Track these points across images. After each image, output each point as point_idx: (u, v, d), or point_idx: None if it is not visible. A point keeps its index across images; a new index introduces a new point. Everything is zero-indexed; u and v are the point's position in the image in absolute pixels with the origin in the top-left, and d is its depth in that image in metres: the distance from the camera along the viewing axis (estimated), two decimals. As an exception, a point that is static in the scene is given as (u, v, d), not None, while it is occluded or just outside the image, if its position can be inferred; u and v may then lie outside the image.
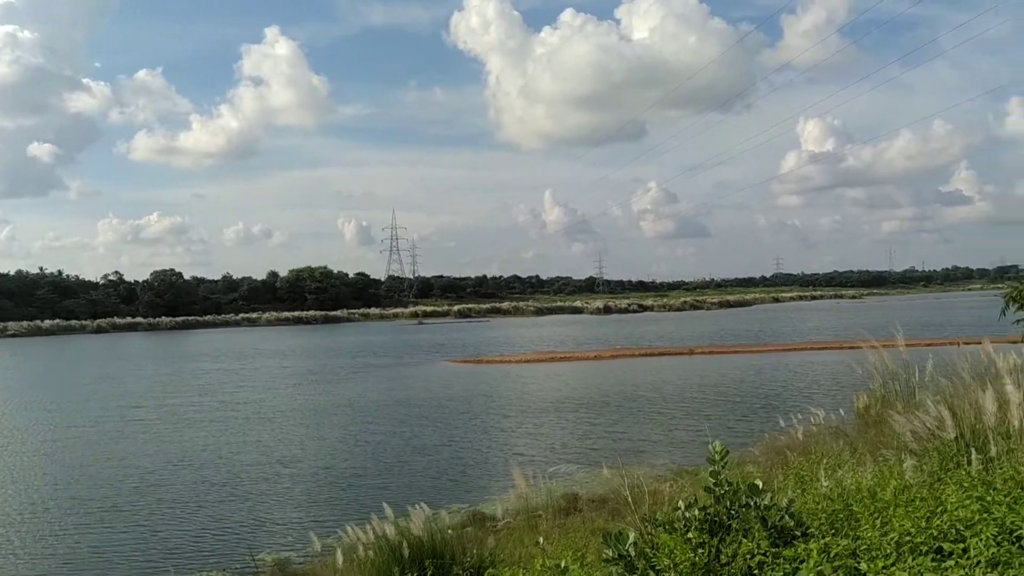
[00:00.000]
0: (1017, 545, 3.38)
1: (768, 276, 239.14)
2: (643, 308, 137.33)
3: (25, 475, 20.09)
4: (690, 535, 4.21)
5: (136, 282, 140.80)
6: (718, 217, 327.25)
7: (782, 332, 67.05)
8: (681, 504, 4.61)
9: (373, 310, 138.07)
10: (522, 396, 32.06)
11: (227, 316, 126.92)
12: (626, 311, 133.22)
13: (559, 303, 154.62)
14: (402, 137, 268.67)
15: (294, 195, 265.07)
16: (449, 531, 7.77)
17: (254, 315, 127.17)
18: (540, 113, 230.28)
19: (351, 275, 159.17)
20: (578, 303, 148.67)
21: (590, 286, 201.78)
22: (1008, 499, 3.92)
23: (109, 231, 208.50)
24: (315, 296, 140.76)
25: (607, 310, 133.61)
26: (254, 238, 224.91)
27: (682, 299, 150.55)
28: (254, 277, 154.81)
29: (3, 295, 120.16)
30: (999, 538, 3.47)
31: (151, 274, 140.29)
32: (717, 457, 4.58)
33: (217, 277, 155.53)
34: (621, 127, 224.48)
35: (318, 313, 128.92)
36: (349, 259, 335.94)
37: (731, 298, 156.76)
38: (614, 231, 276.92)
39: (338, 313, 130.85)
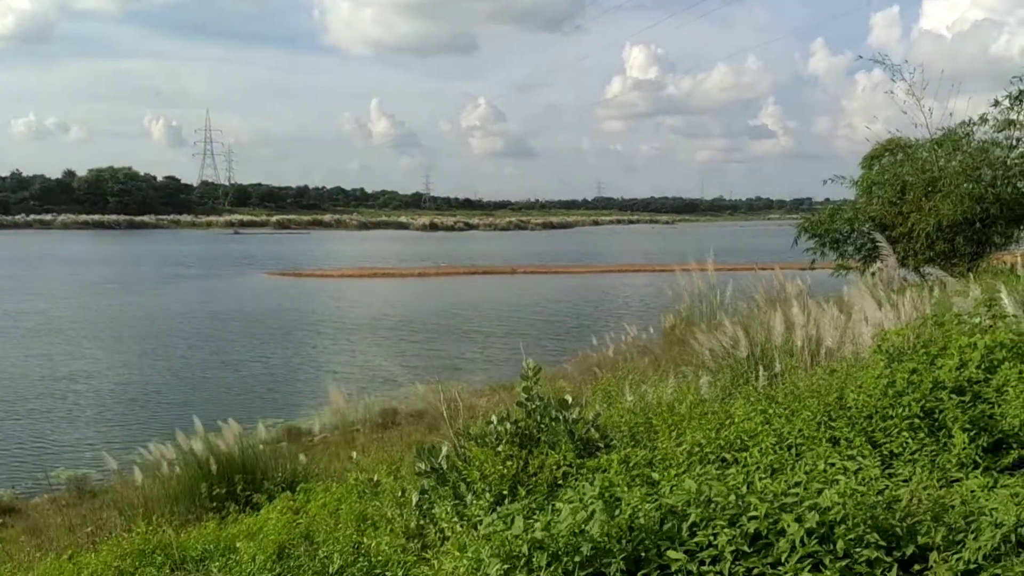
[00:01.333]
0: (791, 453, 3.72)
1: (590, 199, 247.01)
2: (469, 226, 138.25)
3: None
4: (500, 448, 4.33)
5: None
6: (545, 138, 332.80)
7: (600, 254, 69.84)
8: (494, 418, 4.72)
9: (184, 217, 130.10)
10: (342, 312, 31.64)
11: (16, 217, 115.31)
12: (452, 228, 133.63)
13: (384, 218, 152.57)
14: (216, 31, 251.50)
15: (94, 87, 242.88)
16: (261, 446, 7.60)
17: (47, 217, 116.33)
18: (368, 17, 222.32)
19: (160, 178, 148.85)
20: (404, 219, 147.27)
21: (416, 202, 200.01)
22: (787, 412, 4.29)
23: None
24: (118, 199, 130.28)
25: (433, 227, 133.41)
26: (47, 132, 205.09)
27: (507, 219, 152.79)
28: (47, 175, 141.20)
29: None
30: (777, 447, 3.80)
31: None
32: (530, 373, 4.70)
33: (4, 173, 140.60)
34: (452, 39, 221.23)
35: (122, 218, 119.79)
36: (158, 161, 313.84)
37: (554, 219, 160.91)
38: (442, 146, 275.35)
39: (145, 219, 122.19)
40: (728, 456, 3.71)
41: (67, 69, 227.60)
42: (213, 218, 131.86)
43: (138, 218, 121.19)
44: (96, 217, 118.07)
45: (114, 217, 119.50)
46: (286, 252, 69.94)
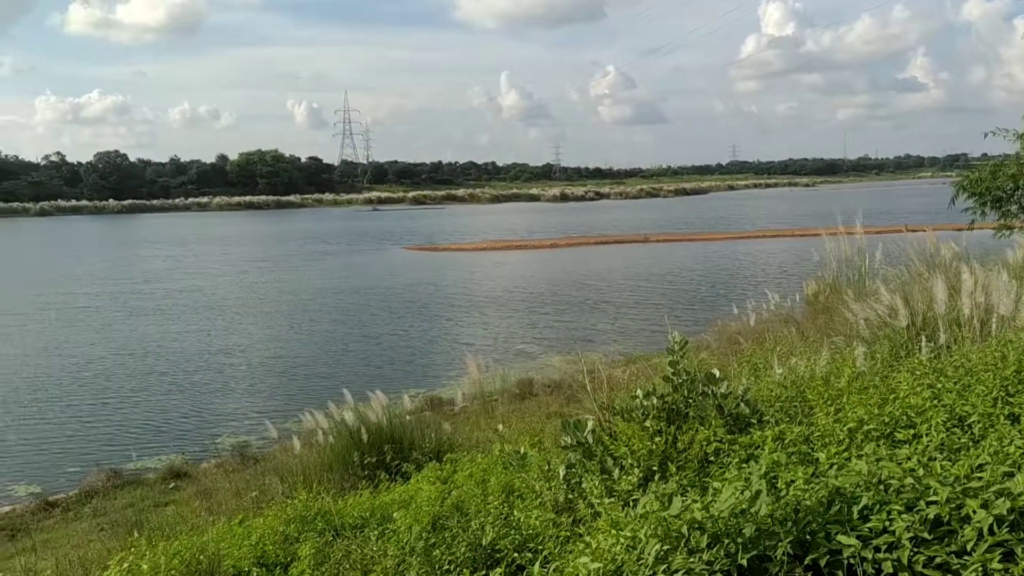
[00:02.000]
0: (967, 432, 3.46)
1: (724, 164, 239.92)
2: (600, 196, 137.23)
3: None
4: (648, 423, 4.25)
5: (79, 163, 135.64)
6: (675, 103, 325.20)
7: (736, 220, 67.75)
8: (639, 392, 4.63)
9: (327, 196, 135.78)
10: (476, 284, 32.17)
11: (176, 200, 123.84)
12: (583, 199, 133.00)
13: (515, 190, 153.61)
14: (352, 15, 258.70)
15: (241, 75, 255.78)
16: (407, 416, 7.83)
17: (204, 199, 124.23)
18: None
19: (303, 159, 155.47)
20: (534, 190, 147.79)
21: (547, 173, 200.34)
22: (958, 387, 3.99)
23: (47, 109, 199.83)
24: (267, 180, 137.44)
25: (564, 197, 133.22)
26: (201, 119, 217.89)
27: (639, 187, 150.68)
28: (203, 160, 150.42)
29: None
30: (948, 424, 3.55)
31: (95, 155, 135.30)
32: (676, 347, 4.58)
33: (164, 159, 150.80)
34: (578, 7, 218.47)
35: (270, 198, 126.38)
36: (300, 143, 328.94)
37: (687, 186, 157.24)
38: (571, 116, 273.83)
39: (291, 198, 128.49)
40: (899, 434, 3.49)
41: (215, 58, 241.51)
42: (353, 196, 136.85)
43: (284, 198, 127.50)
44: (247, 198, 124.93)
45: (263, 198, 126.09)
46: (422, 227, 71.69)
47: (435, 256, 45.17)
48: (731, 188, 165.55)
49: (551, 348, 18.77)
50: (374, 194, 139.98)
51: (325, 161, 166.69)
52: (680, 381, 4.58)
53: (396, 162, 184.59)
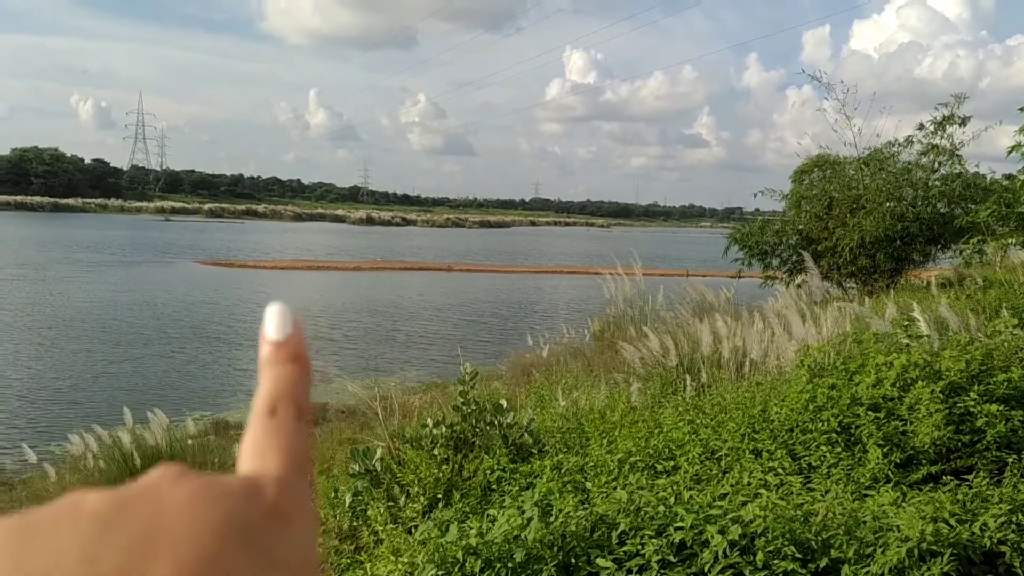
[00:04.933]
0: (717, 463, 3.87)
1: (527, 200, 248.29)
2: (407, 222, 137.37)
3: None
4: (436, 451, 4.38)
5: None
6: (484, 137, 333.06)
7: (536, 254, 70.25)
8: (429, 421, 4.76)
9: (113, 201, 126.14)
10: (280, 303, 31.13)
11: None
12: (389, 223, 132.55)
13: (320, 210, 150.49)
14: (150, 12, 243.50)
15: (17, 63, 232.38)
16: (190, 440, 7.47)
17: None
18: (306, 6, 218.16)
19: (87, 161, 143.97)
20: (340, 212, 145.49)
21: (354, 195, 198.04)
22: (713, 423, 4.44)
23: None
24: (43, 180, 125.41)
25: (370, 221, 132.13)
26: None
27: (445, 216, 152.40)
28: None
29: None
30: (703, 456, 3.95)
31: None
32: (467, 378, 4.76)
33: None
34: (392, 34, 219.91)
35: (46, 200, 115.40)
36: (85, 143, 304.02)
37: (492, 218, 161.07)
38: (381, 140, 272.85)
39: (71, 202, 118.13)
40: (659, 466, 3.84)
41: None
42: (143, 204, 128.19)
43: (63, 201, 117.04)
44: (19, 198, 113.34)
45: (38, 199, 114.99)
46: (218, 241, 68.42)
47: (230, 273, 43.22)
48: (533, 224, 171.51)
49: (349, 372, 18.52)
50: (167, 203, 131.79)
51: (113, 165, 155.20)
52: (469, 411, 4.76)
53: (193, 171, 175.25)
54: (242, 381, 17.70)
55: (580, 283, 41.27)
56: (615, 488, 3.31)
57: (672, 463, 3.93)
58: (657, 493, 2.99)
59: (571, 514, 2.83)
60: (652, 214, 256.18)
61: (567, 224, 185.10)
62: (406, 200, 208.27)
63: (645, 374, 7.21)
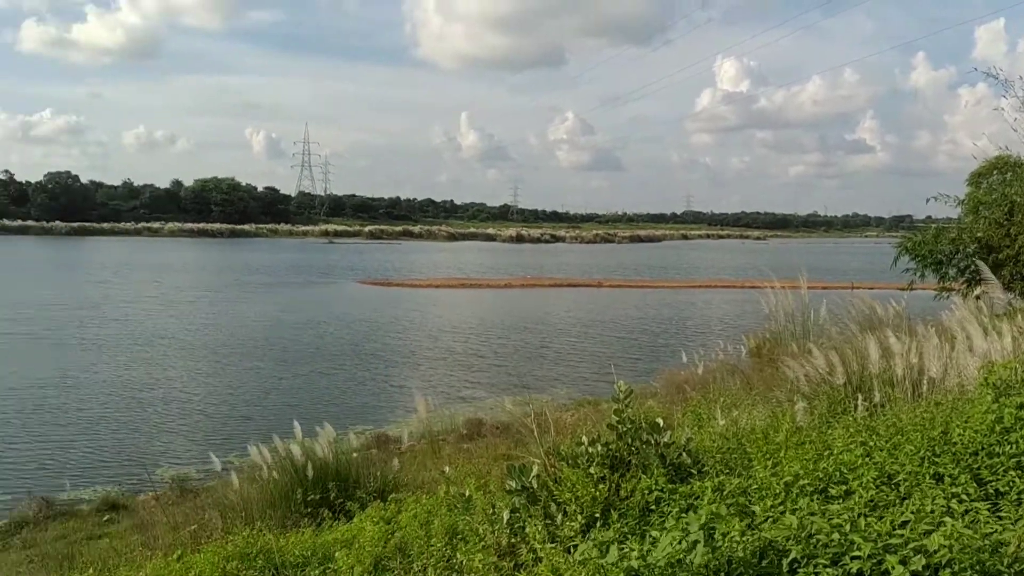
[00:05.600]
0: (894, 489, 3.61)
1: (679, 213, 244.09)
2: (556, 238, 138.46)
3: None
4: (592, 470, 4.33)
5: (28, 183, 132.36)
6: (633, 151, 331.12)
7: (689, 269, 68.89)
8: (584, 439, 4.72)
9: (282, 226, 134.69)
10: (430, 322, 32.11)
11: (127, 225, 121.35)
12: (539, 240, 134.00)
13: (472, 229, 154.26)
14: (314, 47, 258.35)
15: (199, 101, 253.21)
16: (354, 454, 7.79)
17: (156, 225, 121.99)
18: (458, 32, 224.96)
19: (260, 189, 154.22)
20: (491, 230, 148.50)
21: (504, 214, 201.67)
22: (888, 445, 4.16)
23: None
24: (221, 208, 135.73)
25: (520, 239, 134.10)
26: (157, 144, 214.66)
27: (594, 231, 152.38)
28: (157, 185, 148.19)
29: None
30: (878, 481, 3.69)
31: (45, 175, 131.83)
32: (621, 396, 4.69)
33: (117, 183, 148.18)
34: (540, 53, 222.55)
35: (224, 226, 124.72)
36: (258, 172, 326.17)
37: (642, 233, 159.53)
38: (530, 159, 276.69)
39: (245, 227, 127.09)
40: (832, 490, 3.63)
41: (174, 83, 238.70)
42: (309, 227, 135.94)
43: (239, 227, 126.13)
44: (201, 225, 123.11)
45: (217, 226, 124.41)
46: (377, 261, 71.49)
47: (388, 292, 45.02)
48: (685, 237, 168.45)
49: (501, 389, 18.82)
50: (330, 226, 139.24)
51: (282, 191, 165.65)
52: (624, 429, 4.69)
53: (354, 196, 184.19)
54: (398, 397, 18.34)
55: (734, 297, 40.09)
56: (783, 513, 3.15)
57: (844, 487, 3.71)
58: (830, 519, 2.82)
59: (737, 539, 2.71)
60: (812, 224, 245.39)
61: (720, 237, 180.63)
62: (555, 217, 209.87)
63: (809, 392, 6.87)
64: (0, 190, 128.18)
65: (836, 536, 2.63)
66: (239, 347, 24.80)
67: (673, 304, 39.28)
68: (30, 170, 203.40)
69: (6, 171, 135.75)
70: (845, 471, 3.86)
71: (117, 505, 11.02)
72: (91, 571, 5.27)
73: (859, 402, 5.59)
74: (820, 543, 2.63)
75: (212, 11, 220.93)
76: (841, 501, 3.39)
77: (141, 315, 31.92)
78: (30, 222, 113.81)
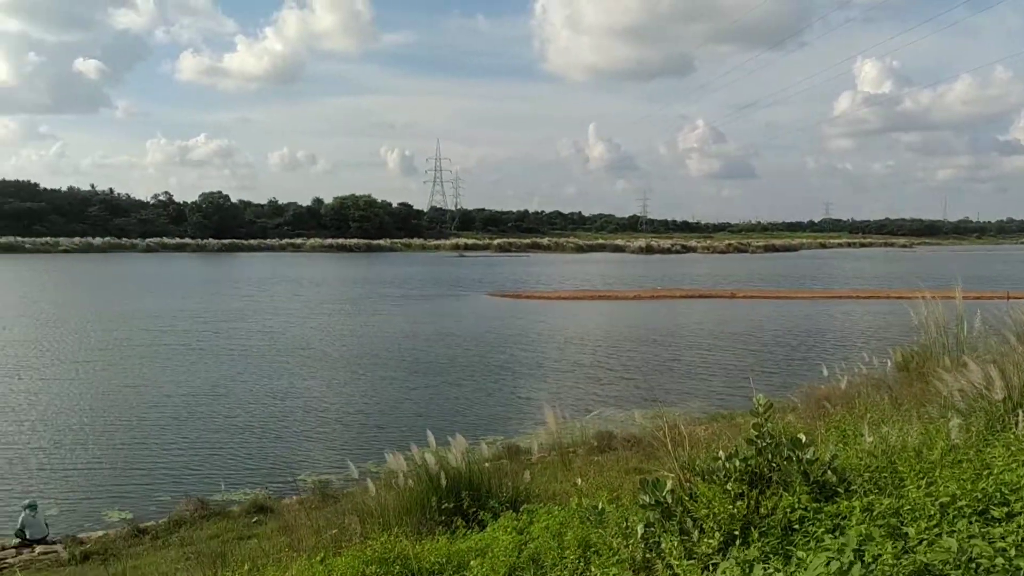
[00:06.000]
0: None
1: (816, 221, 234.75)
2: (687, 249, 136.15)
3: (62, 398, 20.62)
4: (729, 486, 4.20)
5: (185, 203, 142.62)
6: (767, 158, 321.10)
7: (828, 279, 66.07)
8: (721, 454, 4.59)
9: (415, 240, 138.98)
10: (559, 333, 32.16)
11: (272, 241, 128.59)
12: (669, 251, 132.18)
13: (601, 241, 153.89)
14: (445, 67, 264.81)
15: (337, 122, 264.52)
16: (486, 464, 7.87)
17: (298, 241, 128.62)
18: (585, 44, 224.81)
19: (394, 204, 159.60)
20: (620, 241, 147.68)
21: (633, 225, 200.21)
22: (1059, 465, 3.83)
23: (157, 151, 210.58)
24: (359, 224, 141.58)
25: (649, 250, 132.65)
26: (298, 164, 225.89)
27: (727, 241, 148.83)
28: (299, 203, 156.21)
29: (55, 211, 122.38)
30: (1046, 504, 3.41)
31: (199, 196, 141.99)
32: (761, 410, 4.54)
33: (263, 201, 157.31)
34: (668, 62, 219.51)
35: (361, 241, 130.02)
36: (392, 188, 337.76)
37: (777, 242, 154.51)
38: (659, 169, 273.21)
39: (381, 242, 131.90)
40: (993, 512, 3.38)
41: (314, 106, 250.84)
42: (441, 241, 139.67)
43: (375, 241, 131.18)
44: (339, 241, 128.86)
45: (354, 241, 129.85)
46: (506, 274, 72.39)
47: (517, 304, 45.45)
48: (823, 246, 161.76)
49: (631, 401, 18.63)
50: (461, 240, 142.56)
51: (415, 207, 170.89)
52: (764, 444, 4.52)
53: (483, 210, 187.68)
54: (526, 409, 18.45)
55: (878, 309, 38.14)
56: (939, 535, 2.96)
57: (1006, 509, 3.44)
58: (992, 543, 2.63)
59: (890, 562, 2.57)
60: (963, 231, 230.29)
61: (863, 245, 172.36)
62: (685, 227, 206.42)
63: (965, 408, 6.42)
64: (160, 210, 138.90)
65: (1000, 561, 2.45)
66: (373, 358, 25.65)
67: (811, 316, 37.76)
68: (187, 191, 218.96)
69: (166, 193, 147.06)
70: (1007, 492, 3.58)
71: (264, 507, 11.60)
72: (245, 568, 5.56)
73: (1020, 419, 5.19)
74: (982, 568, 2.45)
75: (349, 35, 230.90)
76: (1004, 524, 3.15)
77: (282, 326, 33.57)
78: (187, 240, 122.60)
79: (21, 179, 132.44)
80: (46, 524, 10.69)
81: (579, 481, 6.46)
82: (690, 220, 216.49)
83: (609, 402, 19.19)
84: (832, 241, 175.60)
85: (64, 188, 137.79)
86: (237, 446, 15.47)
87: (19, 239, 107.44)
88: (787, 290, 53.34)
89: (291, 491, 12.48)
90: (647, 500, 4.56)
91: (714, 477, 4.51)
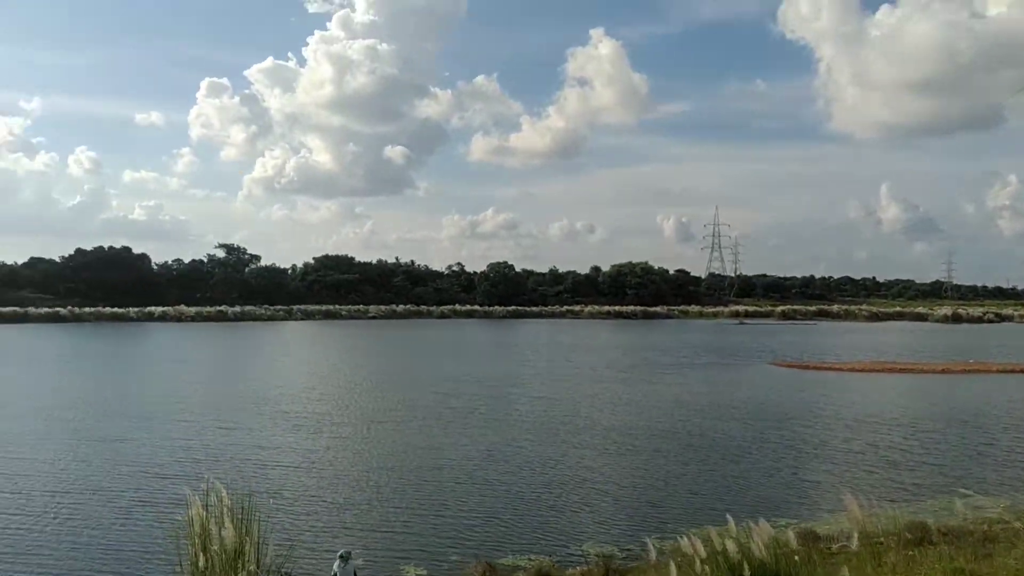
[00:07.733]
0: None
1: None
2: (1001, 318, 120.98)
3: (356, 455, 21.97)
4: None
5: (474, 273, 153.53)
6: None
7: None
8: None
9: (693, 307, 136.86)
10: (850, 408, 29.62)
11: (552, 307, 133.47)
12: (980, 320, 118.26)
13: (898, 308, 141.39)
14: (722, 132, 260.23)
15: (615, 192, 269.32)
16: (795, 556, 7.26)
17: (577, 308, 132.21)
18: (875, 100, 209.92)
19: (671, 271, 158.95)
20: (921, 309, 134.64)
21: (936, 291, 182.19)
22: None
23: (452, 226, 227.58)
24: (635, 291, 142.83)
25: (956, 318, 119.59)
26: (577, 233, 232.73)
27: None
28: (578, 271, 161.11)
29: (366, 282, 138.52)
30: None
31: (487, 266, 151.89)
32: None
33: (544, 270, 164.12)
34: (972, 114, 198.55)
35: (638, 308, 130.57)
36: (668, 255, 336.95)
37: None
38: (964, 230, 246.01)
39: (657, 309, 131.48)
40: None
41: (592, 177, 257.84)
42: (719, 308, 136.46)
43: (651, 308, 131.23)
44: (617, 308, 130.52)
45: (631, 308, 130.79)
46: (791, 343, 68.70)
47: (804, 375, 42.76)
48: None
49: (942, 489, 16.58)
50: (740, 307, 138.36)
51: (692, 273, 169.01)
52: None
53: (764, 275, 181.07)
54: (810, 492, 17.02)
55: None
56: None
57: None
58: None
59: None
60: None
61: None
62: (999, 293, 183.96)
63: None
64: (453, 280, 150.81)
65: None
66: (646, 428, 25.20)
67: None
68: (476, 261, 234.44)
69: (458, 263, 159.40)
70: None
71: (550, 575, 11.64)
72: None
73: None
74: None
75: (627, 108, 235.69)
76: None
77: (556, 392, 34.22)
78: (476, 307, 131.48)
79: (340, 254, 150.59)
80: (355, 574, 11.47)
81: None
82: (1004, 286, 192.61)
83: (918, 488, 17.22)
84: None
85: (374, 261, 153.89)
86: (514, 511, 15.63)
87: (337, 307, 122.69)
88: None
89: (575, 562, 12.42)
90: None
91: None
